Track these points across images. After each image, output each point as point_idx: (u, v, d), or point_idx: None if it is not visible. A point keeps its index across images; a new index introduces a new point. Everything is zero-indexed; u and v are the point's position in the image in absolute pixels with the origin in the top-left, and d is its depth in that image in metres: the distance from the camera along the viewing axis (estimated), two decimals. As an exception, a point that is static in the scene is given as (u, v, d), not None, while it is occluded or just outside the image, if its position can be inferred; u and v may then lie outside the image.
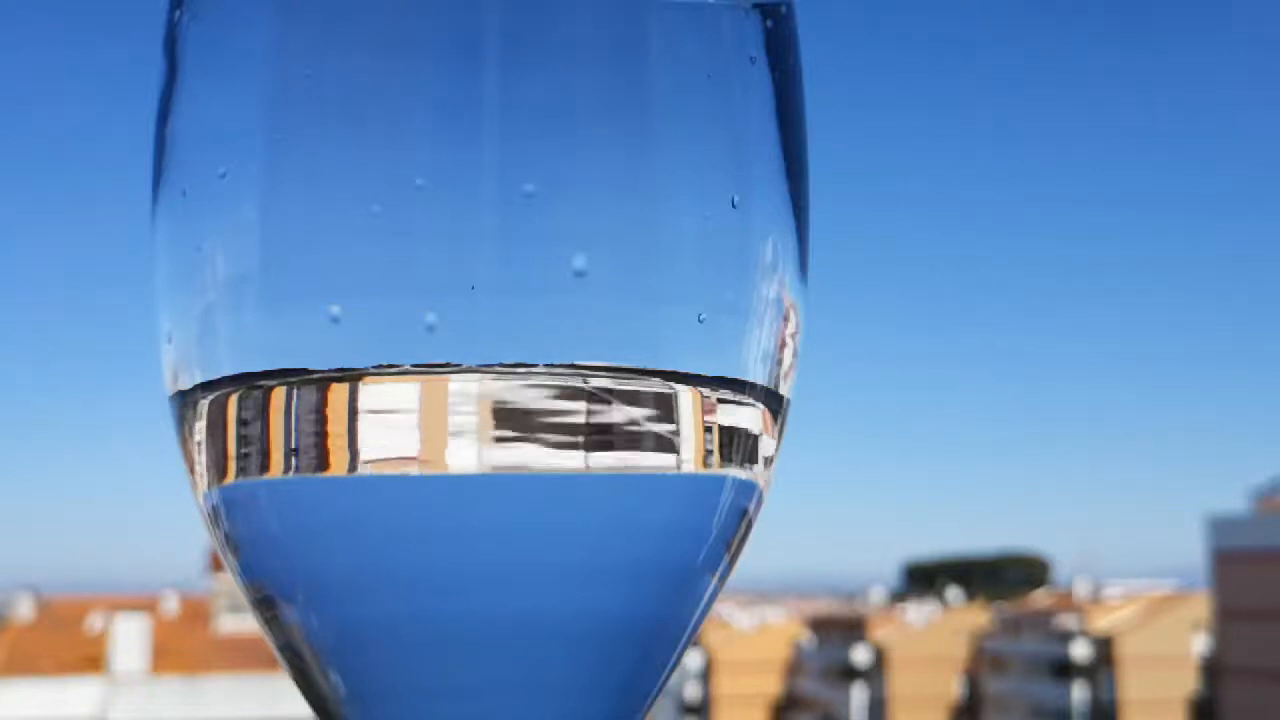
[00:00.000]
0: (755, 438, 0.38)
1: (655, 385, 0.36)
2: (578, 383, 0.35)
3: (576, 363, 0.35)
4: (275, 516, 0.36)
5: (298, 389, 0.35)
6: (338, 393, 0.35)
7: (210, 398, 0.37)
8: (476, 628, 0.36)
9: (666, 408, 0.36)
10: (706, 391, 0.37)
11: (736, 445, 0.38)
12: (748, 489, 0.38)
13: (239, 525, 0.37)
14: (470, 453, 0.35)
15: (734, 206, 0.37)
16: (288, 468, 0.36)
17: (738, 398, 0.37)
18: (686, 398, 0.36)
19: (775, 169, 0.38)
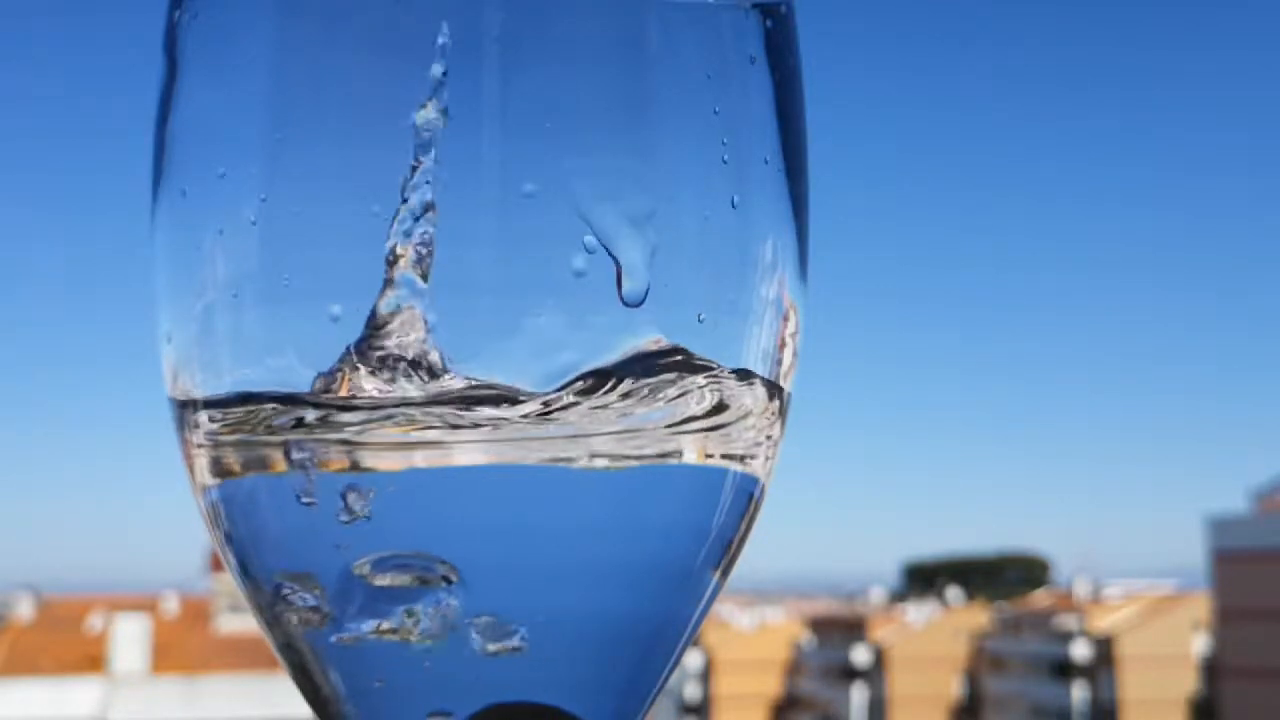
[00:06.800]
0: (756, 435, 0.38)
1: (655, 382, 0.36)
2: (578, 378, 0.35)
3: (576, 359, 0.35)
4: (275, 516, 0.36)
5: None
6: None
7: (211, 398, 0.37)
8: (476, 627, 0.36)
9: (665, 401, 0.36)
10: (707, 388, 0.37)
11: (737, 443, 0.38)
12: (749, 484, 0.38)
13: (239, 525, 0.37)
14: (469, 449, 0.35)
15: (734, 207, 0.37)
16: (287, 466, 0.36)
17: (739, 394, 0.37)
18: (688, 394, 0.36)
19: (775, 169, 0.38)
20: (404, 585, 0.35)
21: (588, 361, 0.35)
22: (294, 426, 0.35)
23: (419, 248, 0.34)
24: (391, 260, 0.34)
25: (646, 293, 0.35)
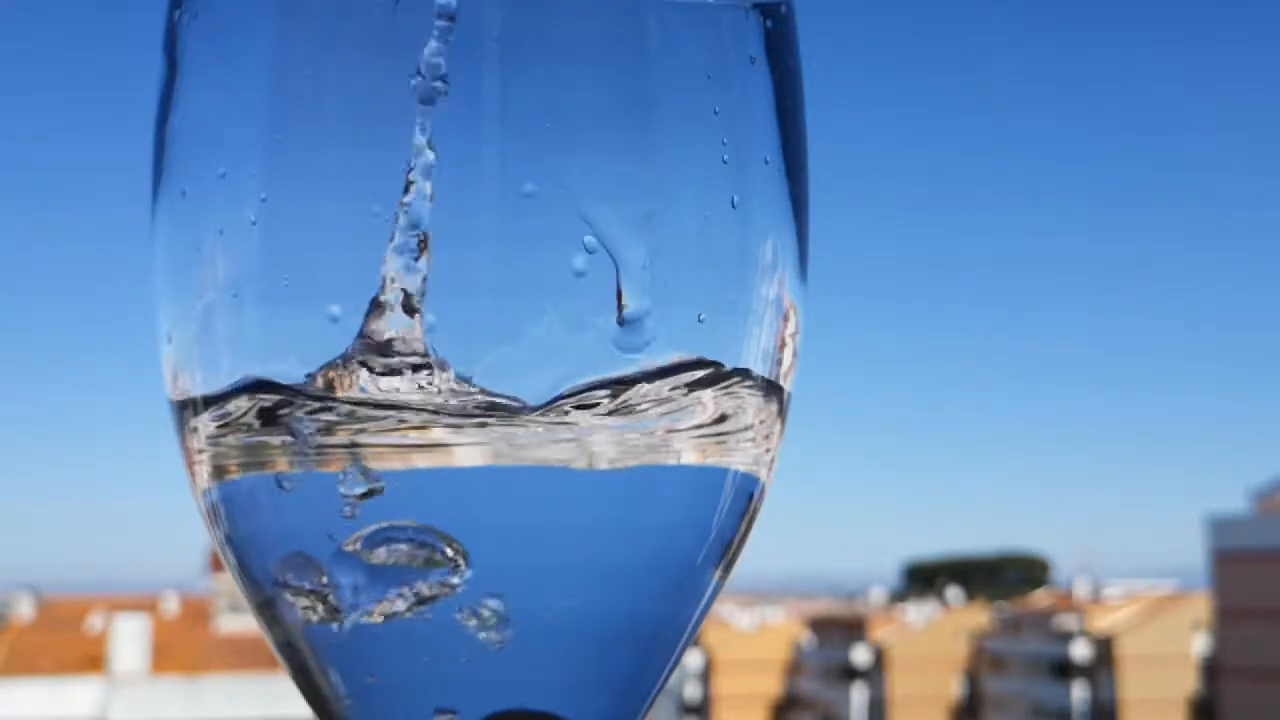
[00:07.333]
0: (756, 434, 0.38)
1: (656, 382, 0.36)
2: (578, 380, 0.35)
3: (577, 362, 0.35)
4: (275, 515, 0.36)
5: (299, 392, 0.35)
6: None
7: (211, 396, 0.37)
8: (476, 625, 0.36)
9: (667, 404, 0.36)
10: (707, 388, 0.37)
11: (738, 442, 0.38)
12: (749, 484, 0.39)
13: (239, 525, 0.37)
14: (470, 450, 0.35)
15: (734, 207, 0.37)
16: (287, 466, 0.36)
17: (739, 395, 0.37)
18: (688, 394, 0.36)
19: (775, 169, 0.38)
20: (405, 563, 0.35)
21: (589, 364, 0.35)
22: (294, 427, 0.35)
23: (418, 247, 0.34)
24: (390, 260, 0.34)
25: (647, 314, 0.35)
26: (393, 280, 0.34)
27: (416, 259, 0.34)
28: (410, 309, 0.34)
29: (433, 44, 0.34)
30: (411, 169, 0.34)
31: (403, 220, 0.34)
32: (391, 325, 0.34)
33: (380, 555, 0.35)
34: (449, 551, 0.35)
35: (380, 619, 0.35)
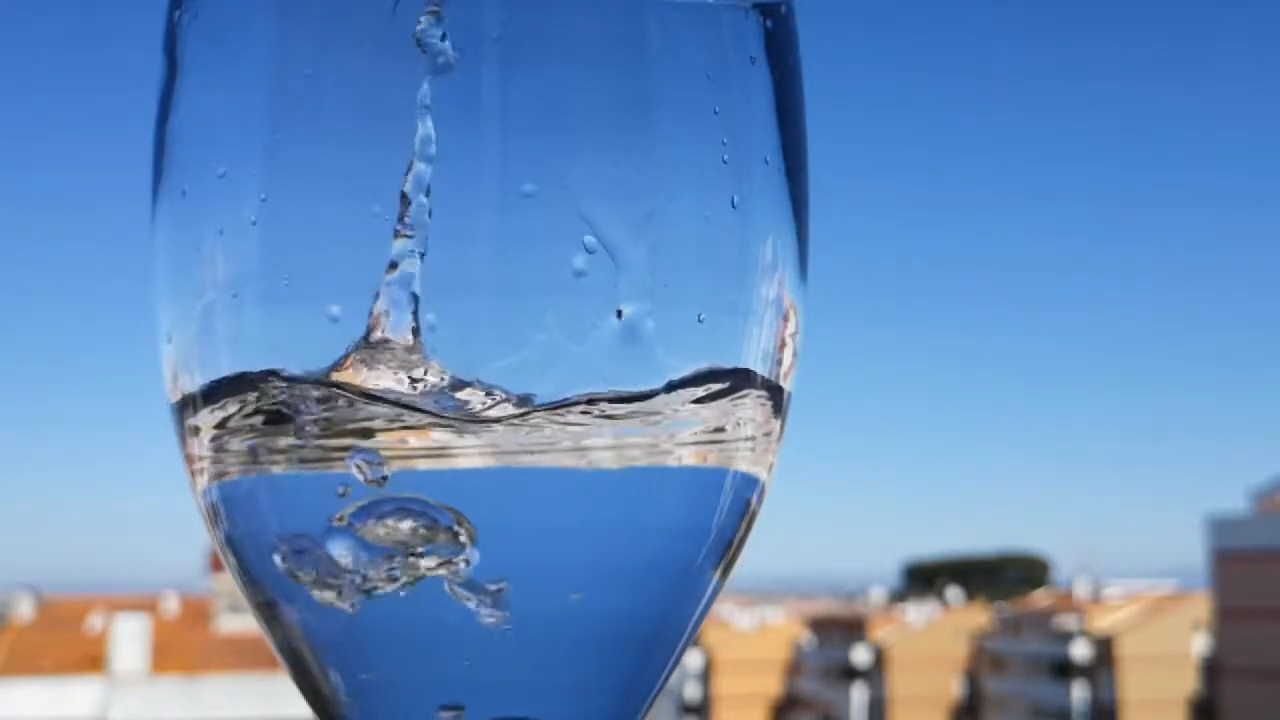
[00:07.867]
0: (756, 435, 0.38)
1: (657, 383, 0.36)
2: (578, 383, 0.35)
3: (576, 362, 0.35)
4: (275, 516, 0.36)
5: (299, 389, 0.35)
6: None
7: (211, 396, 0.37)
8: (476, 628, 0.36)
9: (667, 405, 0.36)
10: (707, 389, 0.37)
11: (737, 442, 0.38)
12: (749, 485, 0.39)
13: (239, 524, 0.37)
14: (470, 451, 0.35)
15: (734, 207, 0.37)
16: (287, 466, 0.36)
17: (738, 395, 0.37)
18: (688, 395, 0.36)
19: (775, 169, 0.38)
20: (408, 539, 0.35)
21: (589, 364, 0.35)
22: (294, 427, 0.35)
23: (418, 248, 0.34)
24: (391, 261, 0.34)
25: (648, 314, 0.35)
26: (393, 281, 0.34)
27: (416, 259, 0.34)
28: (410, 309, 0.34)
29: (432, 11, 0.34)
30: (410, 168, 0.34)
31: (402, 220, 0.34)
32: (392, 326, 0.34)
33: (381, 530, 0.35)
34: (453, 524, 0.35)
35: (382, 589, 0.35)
